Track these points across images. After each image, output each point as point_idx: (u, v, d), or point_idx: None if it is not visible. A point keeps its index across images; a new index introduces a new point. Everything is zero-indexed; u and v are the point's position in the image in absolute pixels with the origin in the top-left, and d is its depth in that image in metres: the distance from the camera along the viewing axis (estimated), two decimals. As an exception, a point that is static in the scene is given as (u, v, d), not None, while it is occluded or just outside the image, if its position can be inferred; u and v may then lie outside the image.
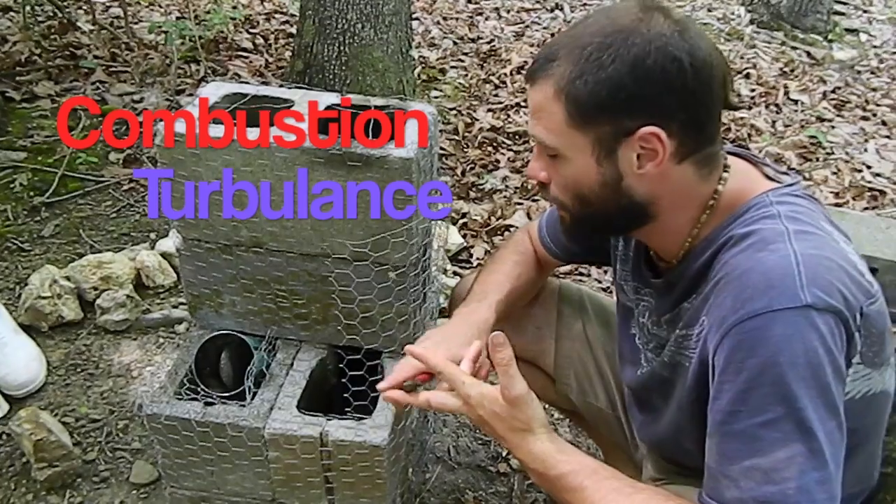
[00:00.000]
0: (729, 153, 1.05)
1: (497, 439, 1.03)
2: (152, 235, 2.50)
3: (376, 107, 1.35)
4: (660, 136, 0.92)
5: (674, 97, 0.92)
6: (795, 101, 3.85)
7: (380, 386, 1.16)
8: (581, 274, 2.52)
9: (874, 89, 4.11)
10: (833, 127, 3.63)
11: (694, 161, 0.97)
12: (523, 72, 3.82)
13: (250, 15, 4.12)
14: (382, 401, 1.36)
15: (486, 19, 4.55)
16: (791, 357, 0.85)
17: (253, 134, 1.25)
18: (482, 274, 1.39)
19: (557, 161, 1.00)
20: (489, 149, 3.16)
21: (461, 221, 2.68)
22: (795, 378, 0.85)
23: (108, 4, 4.07)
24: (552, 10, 4.77)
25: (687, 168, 0.97)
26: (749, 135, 3.46)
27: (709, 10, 5.00)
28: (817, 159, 3.32)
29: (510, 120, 3.38)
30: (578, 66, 0.93)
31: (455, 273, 2.40)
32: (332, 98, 1.39)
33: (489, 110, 3.44)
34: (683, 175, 0.98)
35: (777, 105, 3.79)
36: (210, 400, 1.34)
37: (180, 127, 1.26)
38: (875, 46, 4.73)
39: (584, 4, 4.88)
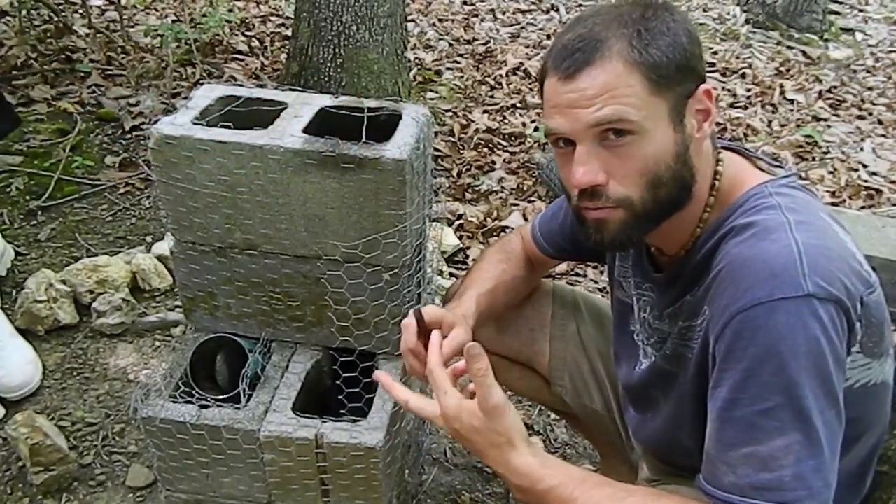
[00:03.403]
0: (722, 147, 1.06)
1: (477, 455, 0.99)
2: (148, 238, 2.50)
3: (370, 109, 1.36)
4: (711, 92, 0.99)
5: (703, 59, 1.00)
6: (791, 101, 3.86)
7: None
8: (577, 275, 2.53)
9: (870, 88, 4.12)
10: (829, 126, 3.63)
11: (711, 131, 1.02)
12: (519, 73, 3.84)
13: (246, 18, 4.12)
14: (377, 403, 1.36)
15: (482, 21, 4.55)
16: (792, 346, 0.85)
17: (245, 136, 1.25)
18: (466, 274, 1.41)
19: (630, 143, 0.95)
20: (485, 150, 3.16)
21: (457, 223, 2.68)
22: (796, 367, 0.85)
23: (103, 8, 4.07)
24: (547, 12, 4.77)
25: (708, 139, 1.02)
26: (745, 134, 3.47)
27: (704, 10, 5.01)
28: (813, 158, 3.32)
29: (506, 121, 3.38)
30: (640, 37, 0.94)
31: (451, 274, 2.40)
32: (326, 100, 1.39)
33: (485, 111, 3.44)
34: (707, 148, 1.02)
35: (773, 104, 3.80)
36: (205, 402, 1.34)
37: (173, 130, 1.26)
38: (871, 45, 4.74)
39: (580, 5, 4.88)
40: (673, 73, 0.95)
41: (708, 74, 1.03)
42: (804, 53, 4.49)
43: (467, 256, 2.53)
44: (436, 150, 3.07)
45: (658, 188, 0.97)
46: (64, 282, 2.15)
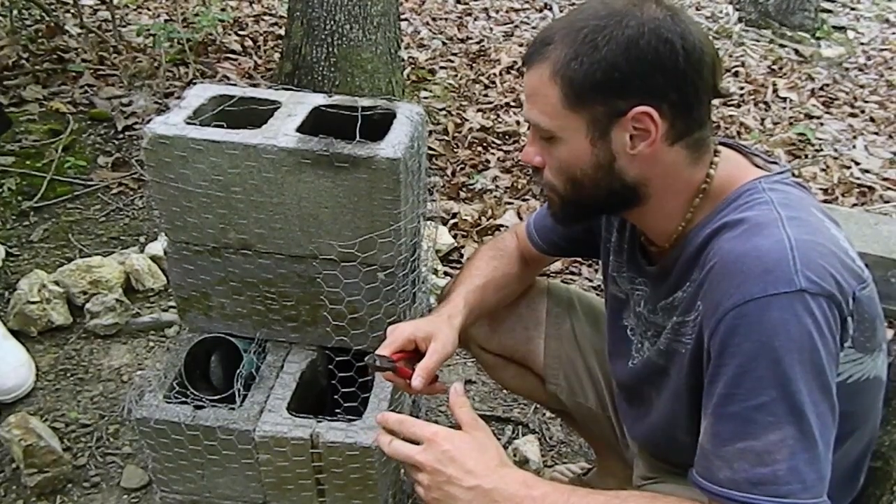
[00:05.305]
0: (719, 143, 1.06)
1: (468, 477, 0.95)
2: (141, 239, 2.49)
3: (364, 108, 1.35)
4: (652, 115, 0.95)
5: (665, 78, 0.94)
6: (784, 99, 3.86)
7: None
8: (572, 273, 2.53)
9: (862, 86, 4.13)
10: (822, 124, 3.64)
11: (685, 144, 0.99)
12: (513, 72, 3.84)
13: (239, 17, 4.11)
14: (373, 402, 1.36)
15: (475, 20, 4.55)
16: (786, 341, 0.86)
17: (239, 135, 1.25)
18: (459, 272, 1.41)
19: (552, 144, 1.02)
20: (479, 149, 3.16)
21: (452, 221, 2.68)
22: (790, 361, 0.86)
23: (95, 8, 4.05)
24: (541, 10, 4.78)
25: (678, 151, 0.99)
26: (738, 132, 3.48)
27: (697, 9, 5.02)
28: (806, 156, 3.33)
29: (500, 120, 3.38)
30: (573, 48, 0.95)
31: (446, 273, 2.40)
32: (320, 99, 1.38)
33: (479, 110, 3.44)
34: (675, 158, 1.00)
35: (766, 103, 3.81)
36: (200, 403, 1.34)
37: (166, 129, 1.26)
38: (862, 43, 4.76)
39: (573, 4, 4.88)
40: (590, 91, 0.95)
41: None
42: (796, 52, 4.50)
43: (462, 255, 2.53)
44: (430, 149, 3.07)
45: (580, 188, 1.03)
46: (57, 283, 2.14)
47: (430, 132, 3.19)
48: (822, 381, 0.88)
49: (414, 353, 1.19)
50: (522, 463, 1.77)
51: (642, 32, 0.93)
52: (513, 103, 3.53)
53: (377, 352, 1.17)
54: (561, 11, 4.71)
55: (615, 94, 0.95)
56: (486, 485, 0.95)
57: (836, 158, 3.31)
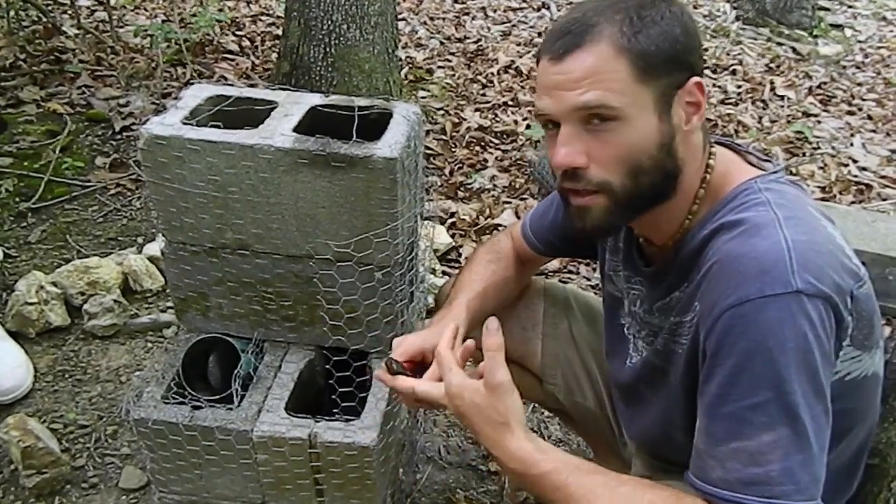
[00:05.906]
0: (713, 141, 1.06)
1: (475, 434, 1.01)
2: (139, 239, 2.49)
3: (361, 107, 1.35)
4: (703, 85, 0.98)
5: (699, 53, 1.00)
6: (781, 97, 3.87)
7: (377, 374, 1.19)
8: (570, 272, 2.53)
9: (859, 84, 4.14)
10: (819, 122, 3.65)
11: (702, 126, 1.02)
12: (511, 71, 3.84)
13: (236, 17, 4.11)
14: (371, 402, 1.36)
15: (473, 19, 4.55)
16: (781, 342, 0.86)
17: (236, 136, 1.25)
18: (456, 277, 1.41)
19: (612, 130, 0.95)
20: (477, 148, 3.16)
21: (450, 221, 2.68)
22: (785, 363, 0.86)
23: (92, 8, 4.05)
24: (538, 10, 4.78)
25: (699, 133, 1.02)
26: (736, 130, 3.48)
27: (695, 7, 5.02)
28: (804, 154, 3.34)
29: (498, 119, 3.38)
30: (632, 23, 0.95)
31: (444, 273, 2.40)
32: (317, 99, 1.38)
33: (476, 110, 3.44)
34: (697, 140, 1.02)
35: (763, 101, 3.81)
36: (198, 403, 1.34)
37: (162, 130, 1.26)
38: (860, 41, 4.76)
39: (570, 2, 4.88)
40: (661, 62, 0.95)
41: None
42: (794, 50, 4.51)
43: (460, 255, 2.53)
44: (428, 148, 3.07)
45: (639, 176, 0.97)
46: (55, 284, 2.14)
47: (428, 132, 3.19)
48: (816, 382, 0.88)
49: (418, 365, 1.20)
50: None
51: (682, 10, 0.97)
52: (510, 102, 3.53)
53: (391, 355, 1.19)
54: (559, 10, 4.71)
55: (676, 65, 0.96)
56: (493, 452, 0.99)
57: (833, 156, 3.32)
